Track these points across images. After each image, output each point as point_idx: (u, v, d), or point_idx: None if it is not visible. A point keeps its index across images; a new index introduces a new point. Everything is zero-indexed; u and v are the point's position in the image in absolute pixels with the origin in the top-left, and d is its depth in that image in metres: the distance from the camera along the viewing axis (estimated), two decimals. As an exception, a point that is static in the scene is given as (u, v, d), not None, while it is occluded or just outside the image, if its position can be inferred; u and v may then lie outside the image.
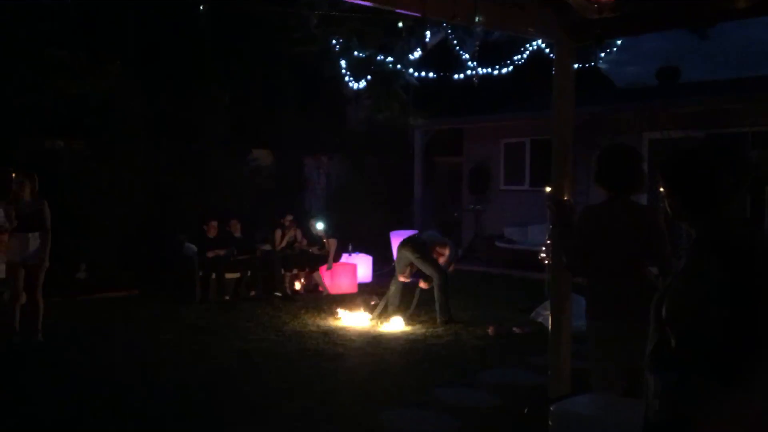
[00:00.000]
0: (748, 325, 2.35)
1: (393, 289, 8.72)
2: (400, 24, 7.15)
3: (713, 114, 10.90)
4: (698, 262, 2.39)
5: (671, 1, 3.65)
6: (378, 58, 10.66)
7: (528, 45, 10.37)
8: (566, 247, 3.91)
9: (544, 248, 7.40)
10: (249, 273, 10.21)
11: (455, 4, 3.71)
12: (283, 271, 10.25)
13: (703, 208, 2.40)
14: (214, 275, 9.92)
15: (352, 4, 4.19)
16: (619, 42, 9.77)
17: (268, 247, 10.61)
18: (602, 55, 10.03)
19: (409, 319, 8.40)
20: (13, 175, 7.04)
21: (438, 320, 8.35)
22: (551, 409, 3.53)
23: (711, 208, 2.43)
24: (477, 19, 3.88)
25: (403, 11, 3.70)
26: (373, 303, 8.63)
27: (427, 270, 8.47)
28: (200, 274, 9.97)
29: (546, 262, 6.82)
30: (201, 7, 5.17)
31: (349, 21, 8.42)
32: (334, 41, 11.12)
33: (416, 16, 3.89)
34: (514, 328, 7.89)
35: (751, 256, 2.37)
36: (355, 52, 10.01)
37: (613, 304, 3.62)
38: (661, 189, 2.56)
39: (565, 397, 3.73)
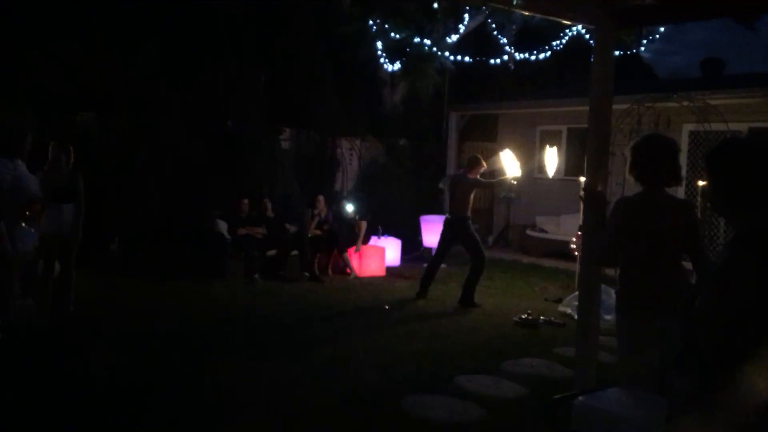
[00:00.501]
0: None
1: None
2: (435, 5, 7.04)
3: (757, 107, 10.60)
4: (737, 261, 2.31)
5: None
6: (414, 40, 10.55)
7: (568, 30, 10.15)
8: (597, 239, 3.83)
9: (574, 239, 7.29)
10: (278, 252, 10.25)
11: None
12: (312, 252, 10.27)
13: (746, 203, 2.32)
14: (243, 253, 9.98)
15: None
16: (662, 30, 9.52)
17: (297, 227, 10.63)
18: (645, 42, 9.79)
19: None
20: (50, 146, 7.12)
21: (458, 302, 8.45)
22: (574, 402, 3.48)
23: (754, 204, 2.35)
24: (515, 2, 3.79)
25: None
26: (387, 308, 8.48)
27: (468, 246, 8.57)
28: (230, 251, 10.04)
29: (576, 253, 6.72)
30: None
31: (386, 1, 8.33)
32: (370, 22, 11.02)
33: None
34: (542, 318, 7.81)
35: None
36: (392, 34, 9.91)
37: (646, 299, 3.54)
38: (702, 182, 2.48)
39: (590, 390, 3.67)
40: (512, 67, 9.48)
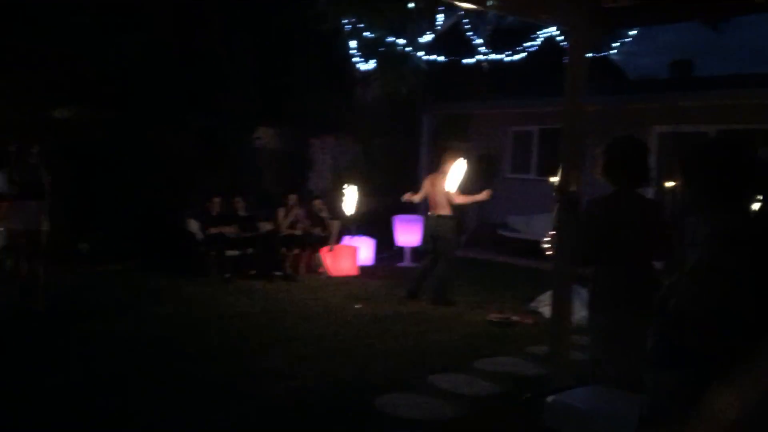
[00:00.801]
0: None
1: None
2: (412, 4, 7.05)
3: (724, 109, 10.79)
4: (721, 257, 2.35)
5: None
6: (388, 39, 10.55)
7: (540, 32, 10.24)
8: (572, 239, 3.87)
9: (547, 238, 7.35)
10: (250, 251, 10.19)
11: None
12: (284, 251, 10.22)
13: (723, 201, 2.38)
14: (215, 252, 9.90)
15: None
16: (632, 33, 9.66)
17: (270, 226, 10.59)
18: (615, 45, 9.93)
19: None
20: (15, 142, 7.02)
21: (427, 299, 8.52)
22: (547, 400, 3.51)
23: (724, 201, 2.41)
24: (489, 3, 3.81)
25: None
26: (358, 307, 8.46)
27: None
28: (201, 250, 9.96)
29: (548, 252, 6.78)
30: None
31: (360, 1, 8.32)
32: (344, 21, 11.00)
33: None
34: (513, 317, 7.86)
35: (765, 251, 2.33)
36: (366, 33, 9.90)
37: (619, 296, 3.60)
38: (671, 183, 2.53)
39: (563, 388, 3.71)
40: (486, 67, 9.53)
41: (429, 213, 8.75)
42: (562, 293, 4.37)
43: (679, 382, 2.51)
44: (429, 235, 8.79)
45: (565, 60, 4.31)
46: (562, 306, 4.35)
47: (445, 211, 8.62)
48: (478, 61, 10.04)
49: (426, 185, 8.89)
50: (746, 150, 2.55)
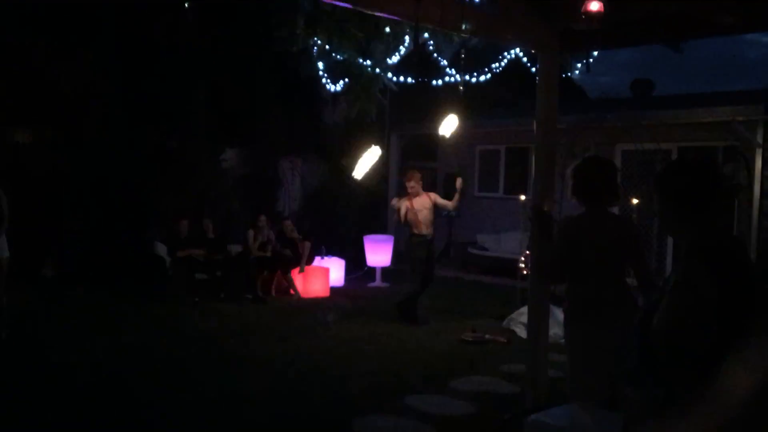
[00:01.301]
0: (732, 336, 2.36)
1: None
2: (387, 29, 7.10)
3: (686, 127, 11.05)
4: (687, 275, 2.41)
5: (660, 14, 3.68)
6: (356, 61, 10.59)
7: (506, 53, 10.38)
8: (546, 257, 3.93)
9: (522, 257, 7.43)
10: (220, 274, 10.09)
11: (443, 11, 3.69)
12: (254, 273, 10.14)
13: (697, 220, 2.44)
14: (183, 275, 9.77)
15: (333, 5, 4.15)
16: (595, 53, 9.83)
17: (239, 248, 10.50)
18: (579, 65, 10.09)
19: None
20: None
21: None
22: (527, 419, 3.53)
23: (700, 217, 2.48)
24: (464, 27, 3.87)
25: (395, 17, 3.67)
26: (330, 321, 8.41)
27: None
28: (170, 273, 9.83)
29: (524, 271, 6.85)
30: (186, 4, 5.06)
31: (331, 22, 8.34)
32: (311, 42, 11.01)
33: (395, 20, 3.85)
34: (486, 335, 7.89)
35: (737, 265, 2.40)
36: (334, 54, 9.93)
37: (594, 313, 3.66)
38: (636, 200, 2.59)
39: (542, 407, 3.73)
40: (462, 89, 9.62)
41: (416, 231, 8.68)
42: (537, 311, 4.40)
43: (656, 400, 2.55)
44: (420, 256, 8.63)
45: (535, 80, 4.39)
46: (538, 324, 4.39)
47: (429, 229, 8.69)
48: (445, 82, 10.13)
49: (403, 208, 8.81)
50: (715, 168, 2.63)
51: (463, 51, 7.74)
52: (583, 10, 3.33)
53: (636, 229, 3.97)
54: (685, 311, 2.39)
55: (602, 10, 3.31)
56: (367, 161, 8.08)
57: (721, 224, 2.65)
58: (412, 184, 8.81)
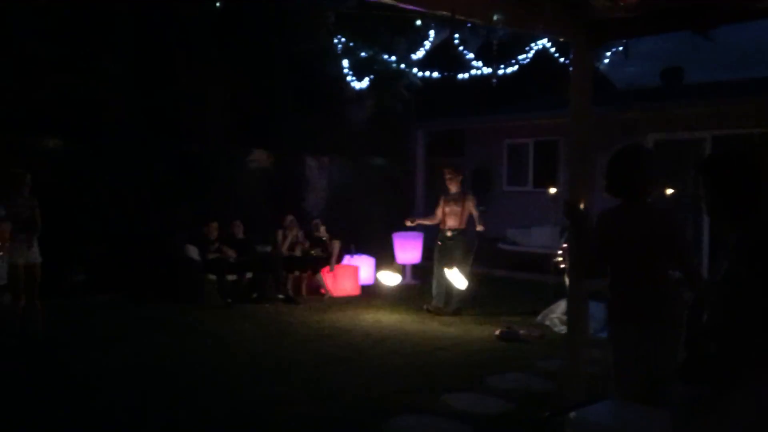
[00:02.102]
0: None
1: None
2: (419, 22, 7.06)
3: (718, 115, 10.83)
4: (737, 270, 2.32)
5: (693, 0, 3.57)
6: (381, 57, 10.56)
7: (533, 44, 10.27)
8: (583, 252, 3.83)
9: (560, 252, 7.33)
10: (251, 275, 10.11)
11: (473, 2, 3.62)
12: (285, 273, 10.15)
13: (748, 209, 2.36)
14: (215, 277, 9.82)
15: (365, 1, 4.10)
16: (624, 42, 9.70)
17: (269, 248, 10.51)
18: (608, 55, 9.96)
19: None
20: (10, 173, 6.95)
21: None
22: (570, 416, 3.44)
23: (750, 210, 2.40)
24: (495, 18, 3.80)
25: (430, 10, 3.61)
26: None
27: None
28: (201, 275, 9.87)
29: (563, 266, 6.76)
30: (218, 4, 5.05)
31: (358, 19, 8.32)
32: (335, 41, 11.00)
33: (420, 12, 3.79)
34: (521, 332, 7.80)
35: None
36: (360, 53, 9.92)
37: (634, 309, 3.56)
38: (670, 190, 2.50)
39: (583, 404, 3.65)
40: (496, 82, 9.54)
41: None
42: (576, 307, 4.32)
43: (700, 397, 2.47)
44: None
45: (562, 71, 4.29)
46: (576, 320, 4.30)
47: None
48: (489, 77, 10.06)
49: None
50: (764, 160, 2.54)
51: (496, 42, 7.63)
52: (617, -3, 3.25)
53: (676, 221, 3.78)
54: (735, 307, 2.31)
55: (638, -3, 3.21)
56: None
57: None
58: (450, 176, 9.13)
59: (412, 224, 9.66)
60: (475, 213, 8.99)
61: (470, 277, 9.04)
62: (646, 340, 3.52)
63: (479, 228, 8.93)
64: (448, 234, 9.02)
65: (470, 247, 9.08)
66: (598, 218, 3.67)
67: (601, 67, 13.33)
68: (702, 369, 2.35)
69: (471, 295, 9.15)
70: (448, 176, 9.11)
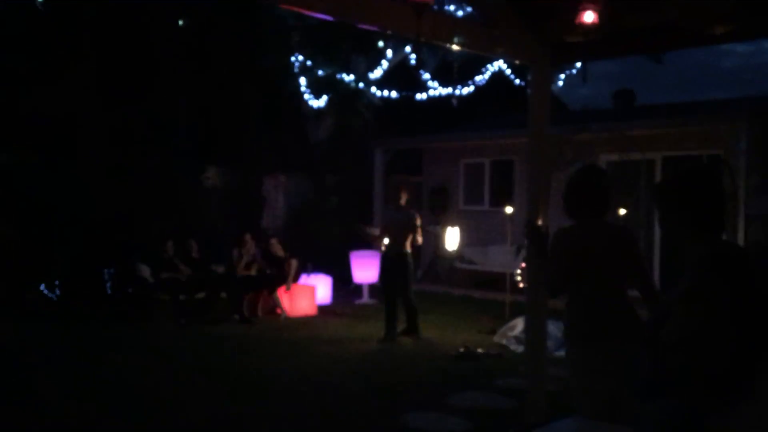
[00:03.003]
0: (754, 341, 2.32)
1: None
2: (381, 43, 7.10)
3: (669, 136, 11.13)
4: (699, 286, 2.37)
5: (652, 24, 3.66)
6: (338, 76, 10.59)
7: (489, 66, 10.44)
8: (545, 271, 3.86)
9: (518, 270, 7.40)
10: (204, 295, 9.94)
11: (435, 24, 3.65)
12: (240, 293, 10.00)
13: (708, 227, 2.41)
14: (168, 297, 9.62)
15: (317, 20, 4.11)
16: (578, 65, 9.94)
17: (223, 267, 10.36)
18: (562, 77, 10.17)
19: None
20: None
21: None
22: (532, 434, 3.45)
23: (709, 227, 2.45)
24: (456, 40, 3.84)
25: (393, 32, 3.63)
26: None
27: None
28: (154, 295, 9.67)
29: (521, 284, 6.82)
30: (180, 22, 5.00)
31: (318, 38, 8.35)
32: (293, 59, 10.99)
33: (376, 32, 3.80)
34: (479, 350, 7.83)
35: (749, 275, 2.37)
36: (319, 71, 9.93)
37: (592, 326, 3.58)
38: (623, 210, 2.54)
39: (546, 422, 3.66)
40: (455, 103, 9.63)
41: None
42: (536, 325, 4.35)
43: (667, 411, 2.50)
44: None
45: (518, 93, 4.35)
46: (537, 338, 4.33)
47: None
48: (445, 98, 10.15)
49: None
50: (720, 177, 2.60)
51: (456, 65, 7.72)
52: (577, 21, 3.30)
53: (634, 238, 3.86)
54: (699, 323, 2.35)
55: (597, 21, 3.28)
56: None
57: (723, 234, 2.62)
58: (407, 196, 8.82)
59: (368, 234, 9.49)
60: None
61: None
62: (607, 358, 3.54)
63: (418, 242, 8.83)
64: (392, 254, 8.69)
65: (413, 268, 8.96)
66: (558, 236, 3.68)
67: (554, 88, 13.64)
68: (671, 383, 2.37)
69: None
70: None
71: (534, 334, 4.36)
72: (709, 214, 2.45)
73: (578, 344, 3.66)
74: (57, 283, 9.99)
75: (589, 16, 3.30)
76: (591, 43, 3.83)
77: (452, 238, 9.73)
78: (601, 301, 3.57)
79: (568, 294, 3.71)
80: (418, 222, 8.69)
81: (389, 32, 3.89)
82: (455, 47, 3.77)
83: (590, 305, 3.59)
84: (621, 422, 3.39)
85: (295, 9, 3.45)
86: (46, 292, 9.98)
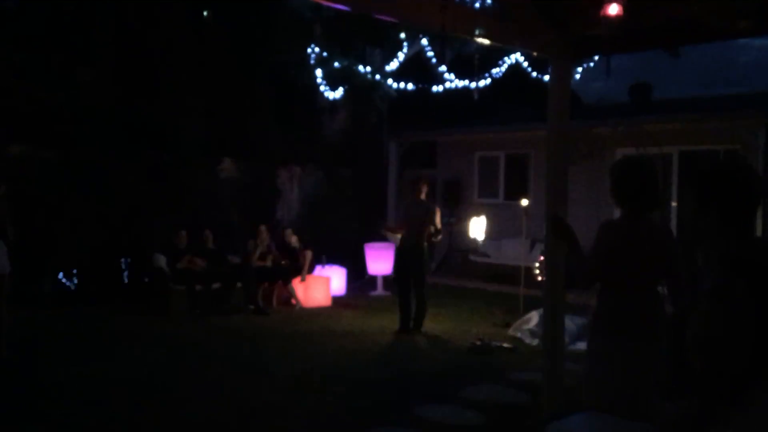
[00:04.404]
0: None
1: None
2: (402, 35, 7.09)
3: (686, 131, 11.05)
4: (723, 287, 2.34)
5: (675, 17, 3.64)
6: (355, 68, 10.58)
7: (506, 58, 10.39)
8: (576, 264, 3.80)
9: (537, 264, 7.39)
10: (220, 285, 9.99)
11: (459, 19, 3.64)
12: (256, 284, 10.05)
13: (731, 225, 2.36)
14: (184, 287, 9.69)
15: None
16: (596, 58, 9.86)
17: (239, 258, 10.41)
18: (579, 71, 10.11)
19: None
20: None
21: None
22: (546, 429, 3.45)
23: (738, 225, 2.40)
24: (477, 32, 3.83)
25: (417, 25, 3.63)
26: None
27: None
28: (170, 286, 9.74)
29: (539, 278, 6.80)
30: (205, 14, 5.01)
31: (335, 30, 8.33)
32: (309, 50, 10.99)
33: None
34: (493, 343, 7.83)
35: None
36: (335, 63, 9.92)
37: (623, 321, 3.55)
38: (688, 205, 2.49)
39: (562, 415, 3.66)
40: (476, 96, 9.59)
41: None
42: (554, 319, 4.35)
43: (688, 410, 2.49)
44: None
45: (535, 86, 4.34)
46: (554, 332, 4.33)
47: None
48: (462, 91, 10.10)
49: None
50: (755, 171, 2.53)
51: (477, 56, 7.67)
52: (601, 13, 3.28)
53: (674, 239, 3.80)
54: (720, 324, 2.33)
55: (621, 14, 3.25)
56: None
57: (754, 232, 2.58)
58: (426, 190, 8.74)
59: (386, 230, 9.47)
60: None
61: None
62: (629, 353, 3.53)
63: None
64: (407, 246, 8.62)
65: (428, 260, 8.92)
66: (603, 227, 3.63)
67: (575, 81, 13.56)
68: (692, 383, 2.36)
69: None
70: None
71: (552, 328, 4.36)
72: (741, 210, 2.40)
73: (602, 336, 3.64)
74: (74, 272, 10.07)
75: (613, 9, 3.28)
76: (612, 37, 3.81)
77: (477, 228, 9.65)
78: (631, 297, 3.54)
79: (600, 286, 3.68)
80: (438, 216, 8.62)
81: (410, 25, 3.87)
82: (477, 40, 3.76)
83: (620, 300, 3.56)
84: (636, 418, 3.40)
85: (317, 0, 3.45)
86: (64, 281, 10.07)
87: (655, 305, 3.51)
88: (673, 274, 3.54)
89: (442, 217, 9.17)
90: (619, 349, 3.50)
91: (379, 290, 11.74)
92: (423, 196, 8.68)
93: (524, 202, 9.86)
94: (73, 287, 10.00)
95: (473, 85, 10.36)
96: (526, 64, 10.23)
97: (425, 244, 8.54)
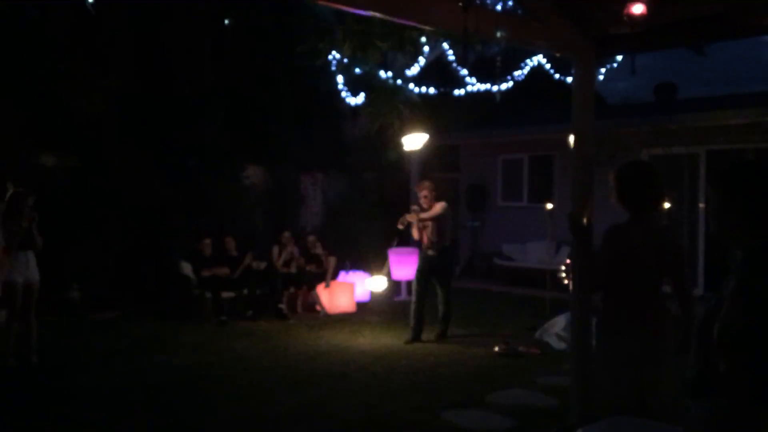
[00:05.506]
0: None
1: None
2: (423, 38, 7.07)
3: (713, 130, 10.89)
4: (752, 284, 2.30)
5: (702, 14, 3.58)
6: (377, 73, 10.56)
7: (528, 60, 10.31)
8: (587, 267, 3.84)
9: (564, 267, 7.33)
10: (245, 292, 10.02)
11: (477, 18, 3.61)
12: (280, 290, 10.07)
13: (763, 219, 2.32)
14: (209, 294, 9.73)
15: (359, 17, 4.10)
16: (620, 58, 9.76)
17: (263, 265, 10.44)
18: (602, 71, 10.00)
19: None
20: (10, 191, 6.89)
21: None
22: (576, 432, 3.41)
23: (764, 225, 2.36)
24: (498, 34, 3.80)
25: (437, 27, 3.61)
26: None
27: None
28: (196, 293, 9.79)
29: (566, 281, 6.75)
30: (226, 22, 5.04)
31: (355, 35, 8.31)
32: (330, 57, 10.99)
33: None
34: (520, 348, 7.76)
35: None
36: (357, 69, 9.91)
37: (628, 322, 3.59)
38: (668, 205, 2.47)
39: (590, 420, 3.62)
40: (498, 99, 9.53)
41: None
42: (581, 323, 4.29)
43: (717, 410, 2.44)
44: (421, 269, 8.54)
45: (557, 87, 4.30)
46: (582, 336, 4.27)
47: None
48: (483, 94, 10.03)
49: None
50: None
51: (499, 59, 7.61)
52: (625, 12, 3.25)
53: (676, 240, 3.88)
54: (749, 322, 2.29)
55: (645, 12, 3.21)
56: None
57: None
58: (425, 194, 8.50)
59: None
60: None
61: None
62: (639, 353, 3.57)
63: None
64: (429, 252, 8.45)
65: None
66: (606, 232, 3.70)
67: (598, 81, 13.43)
68: (720, 382, 2.32)
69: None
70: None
71: (579, 332, 4.30)
72: (766, 205, 2.36)
73: (608, 337, 3.70)
74: (100, 279, 10.16)
75: (638, 8, 3.24)
76: (636, 35, 3.76)
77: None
78: (634, 297, 3.59)
79: (605, 289, 3.73)
80: (439, 208, 8.31)
81: (432, 28, 3.86)
82: (497, 41, 3.73)
83: (623, 301, 3.62)
84: (646, 415, 3.40)
85: (339, 6, 3.45)
86: (90, 288, 10.16)
87: (654, 305, 3.54)
88: (679, 275, 3.57)
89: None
90: (621, 347, 3.54)
91: (404, 295, 11.70)
92: (425, 204, 8.39)
93: (549, 205, 9.78)
94: (99, 293, 10.08)
95: (495, 88, 10.26)
96: (548, 66, 10.14)
97: (448, 245, 8.49)
